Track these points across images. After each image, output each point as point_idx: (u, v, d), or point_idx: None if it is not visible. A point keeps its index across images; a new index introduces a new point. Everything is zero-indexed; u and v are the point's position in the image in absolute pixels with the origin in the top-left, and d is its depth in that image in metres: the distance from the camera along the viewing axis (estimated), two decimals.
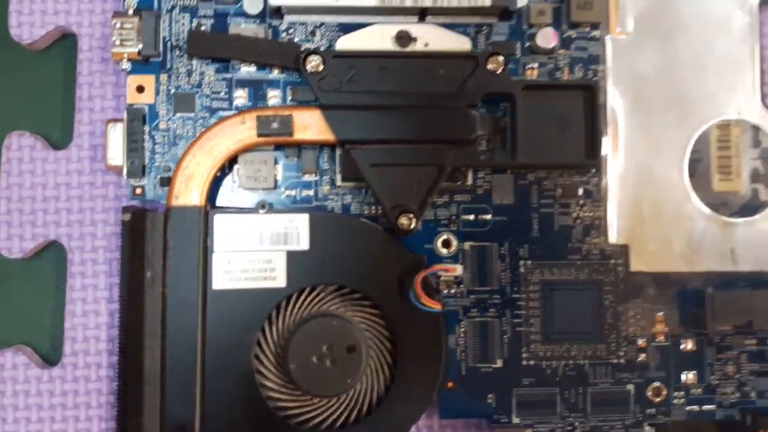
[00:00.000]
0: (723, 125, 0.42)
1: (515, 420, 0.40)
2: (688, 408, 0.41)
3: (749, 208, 0.42)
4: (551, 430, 0.40)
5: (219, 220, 0.38)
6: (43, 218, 0.41)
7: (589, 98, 0.40)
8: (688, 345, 0.41)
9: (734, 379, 0.41)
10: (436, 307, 0.38)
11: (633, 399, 0.41)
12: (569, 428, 0.40)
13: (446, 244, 0.40)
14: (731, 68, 0.42)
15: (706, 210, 0.41)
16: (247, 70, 0.40)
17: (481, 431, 0.41)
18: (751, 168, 0.42)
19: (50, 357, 0.42)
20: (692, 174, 0.42)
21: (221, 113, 0.40)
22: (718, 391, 0.41)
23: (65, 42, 0.43)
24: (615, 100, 0.41)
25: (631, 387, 0.41)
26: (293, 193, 0.41)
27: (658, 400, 0.41)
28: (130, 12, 0.40)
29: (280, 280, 0.38)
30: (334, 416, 0.38)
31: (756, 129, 0.42)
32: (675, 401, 0.41)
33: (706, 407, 0.41)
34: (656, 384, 0.41)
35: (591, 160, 0.40)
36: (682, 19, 0.42)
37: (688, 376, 0.41)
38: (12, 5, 0.41)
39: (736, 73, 0.42)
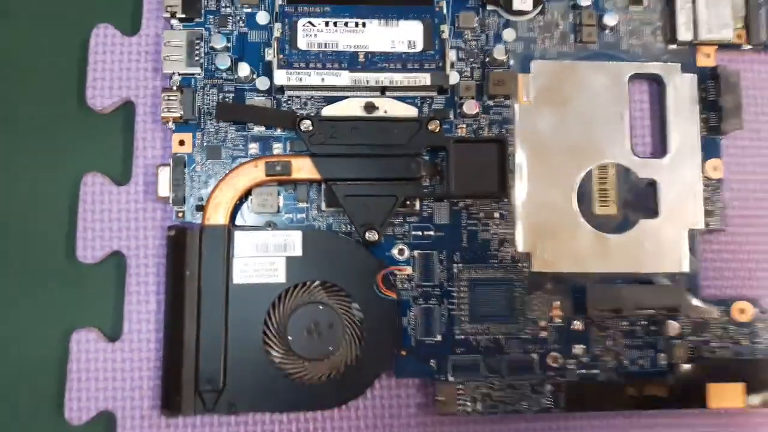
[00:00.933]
0: (602, 166, 0.50)
1: (451, 379, 0.47)
2: (578, 372, 0.48)
3: (621, 226, 0.50)
4: (476, 386, 0.47)
5: (238, 235, 0.47)
6: (109, 234, 0.49)
7: (501, 148, 0.49)
8: (578, 325, 0.49)
9: (612, 350, 0.48)
10: (393, 296, 0.47)
11: (537, 364, 0.48)
12: (490, 385, 0.47)
13: (401, 252, 0.48)
14: (608, 125, 0.50)
15: (590, 228, 0.49)
16: (258, 130, 0.48)
17: (426, 388, 0.48)
18: (623, 197, 0.50)
19: (112, 335, 0.49)
20: (579, 202, 0.49)
21: (240, 160, 0.48)
22: (600, 359, 0.48)
23: (126, 107, 0.51)
24: (521, 149, 0.50)
25: (535, 356, 0.48)
26: (291, 216, 0.48)
27: (555, 365, 0.48)
28: (175, 88, 0.48)
29: (281, 277, 0.47)
30: (320, 374, 0.46)
31: (626, 169, 0.50)
32: (569, 366, 0.48)
33: (592, 371, 0.48)
34: (554, 354, 0.48)
35: (502, 192, 0.48)
36: (572, 90, 0.50)
37: (578, 348, 0.48)
38: (89, 82, 0.50)
39: (612, 129, 0.50)
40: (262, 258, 0.47)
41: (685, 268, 0.50)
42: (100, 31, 0.51)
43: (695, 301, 0.50)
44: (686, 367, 0.49)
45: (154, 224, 0.50)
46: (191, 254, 0.46)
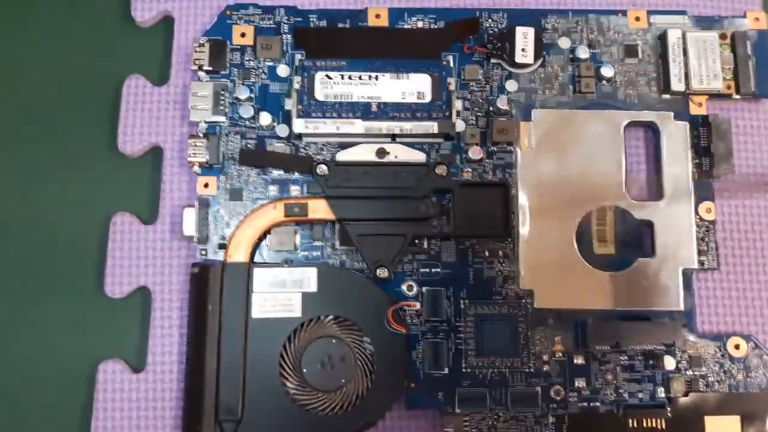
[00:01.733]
0: (601, 208, 0.51)
1: (458, 410, 0.48)
2: (580, 404, 0.49)
3: (619, 265, 0.51)
4: (482, 418, 0.48)
5: (257, 272, 0.49)
6: (136, 270, 0.51)
7: (504, 192, 0.51)
8: (579, 360, 0.50)
9: (612, 384, 0.49)
10: (402, 330, 0.48)
11: (540, 397, 0.49)
12: (496, 417, 0.48)
13: (410, 288, 0.50)
14: (606, 170, 0.51)
15: (589, 266, 0.50)
16: (278, 173, 0.51)
17: (434, 419, 0.49)
18: (621, 238, 0.51)
19: (137, 366, 0.50)
20: (579, 242, 0.50)
21: (260, 201, 0.50)
22: (600, 392, 0.49)
23: (155, 152, 0.53)
24: (523, 192, 0.51)
25: (538, 389, 0.49)
26: (307, 253, 0.50)
27: (558, 398, 0.49)
28: (201, 134, 0.51)
29: (297, 312, 0.48)
30: (333, 405, 0.48)
31: (624, 211, 0.51)
32: (570, 399, 0.49)
33: (592, 404, 0.49)
34: (556, 387, 0.49)
35: (506, 232, 0.50)
36: (571, 137, 0.51)
37: (579, 382, 0.49)
38: (120, 128, 0.53)
39: (610, 173, 0.51)
40: (279, 294, 0.49)
41: (681, 305, 0.51)
42: (132, 81, 0.54)
43: (691, 337, 0.51)
44: (684, 400, 0.50)
45: (179, 261, 0.51)
46: (213, 290, 0.48)
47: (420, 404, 0.49)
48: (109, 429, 0.50)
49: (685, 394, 0.50)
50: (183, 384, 0.49)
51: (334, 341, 0.48)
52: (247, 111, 0.51)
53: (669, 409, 0.50)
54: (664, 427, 0.49)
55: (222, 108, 0.52)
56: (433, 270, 0.51)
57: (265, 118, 0.51)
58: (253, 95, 0.52)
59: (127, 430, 0.50)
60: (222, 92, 0.52)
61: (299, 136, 0.51)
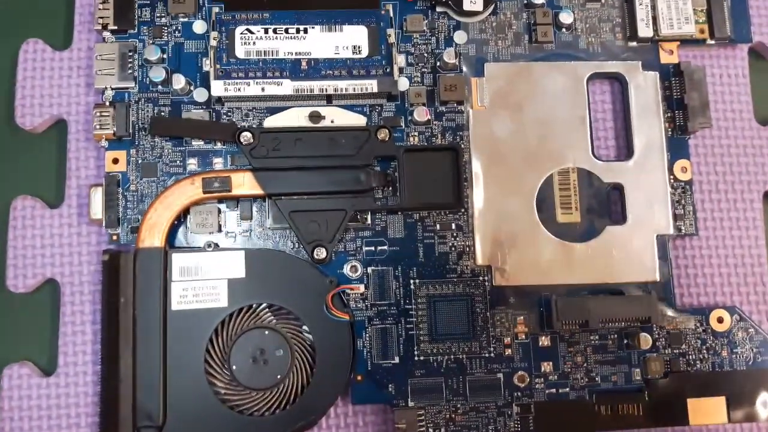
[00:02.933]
0: (563, 171, 0.49)
1: (411, 404, 0.46)
2: (547, 391, 0.46)
3: (586, 234, 0.48)
4: (439, 411, 0.46)
5: (176, 258, 0.45)
6: (41, 261, 0.47)
7: (455, 156, 0.47)
8: (545, 341, 0.47)
9: (582, 367, 0.47)
10: (345, 317, 0.45)
11: (503, 385, 0.46)
12: (453, 409, 0.46)
13: (353, 269, 0.47)
14: (568, 128, 0.49)
15: (552, 237, 0.48)
16: (197, 144, 0.47)
17: (385, 414, 0.47)
18: (587, 203, 0.49)
19: (47, 369, 0.47)
20: (540, 210, 0.48)
21: (177, 177, 0.47)
22: (570, 377, 0.47)
23: (58, 126, 0.49)
24: (476, 157, 0.48)
25: (500, 375, 0.46)
26: (233, 235, 0.47)
27: (522, 385, 0.46)
28: (107, 103, 0.47)
29: (223, 302, 0.45)
30: (269, 405, 0.45)
31: (589, 173, 0.49)
32: (536, 386, 0.46)
33: (561, 390, 0.47)
34: (520, 373, 0.47)
35: (458, 202, 0.47)
36: (528, 93, 0.49)
37: (545, 366, 0.47)
38: (17, 100, 0.49)
39: (572, 132, 0.49)
40: (202, 281, 0.45)
41: (656, 275, 0.48)
42: (29, 46, 0.50)
43: (669, 311, 0.48)
44: (663, 382, 0.48)
45: (89, 249, 0.48)
46: (125, 280, 0.45)
47: (368, 399, 0.47)
48: None
49: (665, 376, 0.48)
50: (98, 388, 0.46)
51: (267, 333, 0.45)
52: (158, 74, 0.48)
53: (647, 392, 0.48)
54: (641, 412, 0.47)
55: (130, 72, 0.48)
56: (379, 248, 0.48)
57: (179, 82, 0.48)
58: (165, 56, 0.49)
59: None
60: (130, 54, 0.48)
61: (220, 101, 0.48)
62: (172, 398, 0.44)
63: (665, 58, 0.51)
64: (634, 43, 0.51)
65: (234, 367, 0.45)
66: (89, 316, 0.47)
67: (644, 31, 0.50)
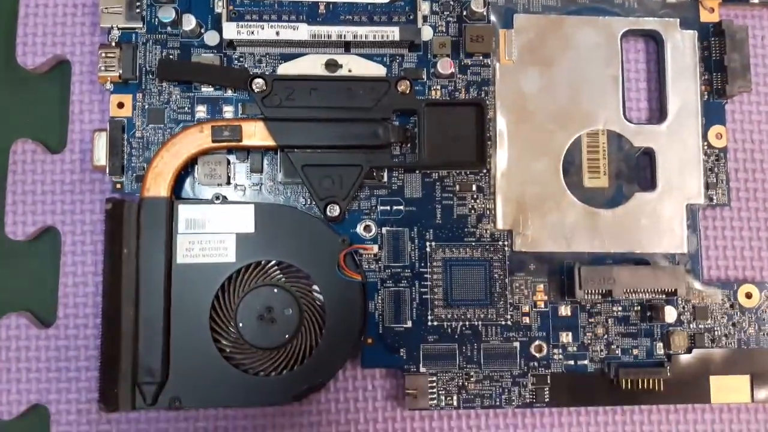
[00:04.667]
0: (592, 133, 0.47)
1: (422, 369, 0.45)
2: (565, 362, 0.46)
3: (613, 200, 0.47)
4: (451, 378, 0.45)
5: (182, 209, 0.44)
6: (42, 208, 0.46)
7: (479, 113, 0.46)
8: (565, 311, 0.46)
9: (602, 339, 0.46)
10: (357, 278, 0.44)
11: (519, 354, 0.45)
12: (466, 377, 0.45)
13: (367, 229, 0.46)
14: (599, 88, 0.47)
15: (578, 202, 0.46)
16: (206, 90, 0.45)
17: (395, 379, 0.46)
18: (615, 168, 0.47)
19: (46, 320, 0.46)
20: (566, 173, 0.47)
21: (185, 124, 0.45)
22: (589, 349, 0.46)
23: (61, 67, 0.48)
24: (502, 114, 0.46)
25: (516, 344, 0.45)
26: (242, 187, 0.45)
27: (539, 355, 0.45)
28: (113, 44, 0.45)
29: (231, 257, 0.44)
30: (275, 365, 0.44)
31: (619, 136, 0.47)
32: (554, 356, 0.45)
33: (580, 362, 0.46)
34: (538, 342, 0.46)
35: (480, 162, 0.45)
36: (559, 48, 0.47)
37: (564, 336, 0.46)
38: (19, 38, 0.47)
39: (604, 92, 0.47)
40: (209, 235, 0.44)
41: (685, 247, 0.47)
42: None
43: (696, 284, 0.47)
44: (686, 357, 0.47)
45: (91, 197, 0.47)
46: (129, 230, 0.43)
47: (378, 362, 0.46)
48: (14, 393, 0.45)
49: (688, 351, 0.47)
50: (99, 341, 0.44)
51: (276, 291, 0.44)
52: (168, 14, 0.46)
53: (668, 367, 0.46)
54: (662, 388, 0.46)
55: (138, 11, 0.46)
56: (395, 207, 0.46)
57: (189, 23, 0.46)
58: None
59: (35, 395, 0.45)
60: None
61: (231, 45, 0.46)
62: (175, 355, 0.43)
63: (705, 17, 0.49)
64: None
65: (240, 325, 0.43)
66: (91, 267, 0.46)
67: None
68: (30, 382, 0.45)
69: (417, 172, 0.46)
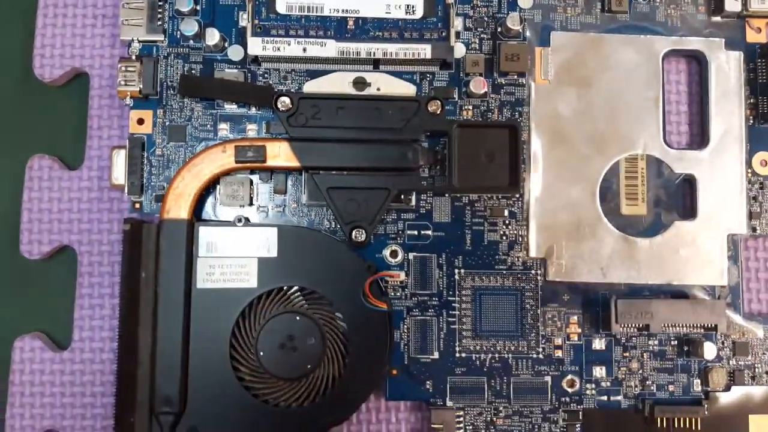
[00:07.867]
0: (631, 158, 0.46)
1: (449, 403, 0.44)
2: (597, 398, 0.45)
3: (652, 229, 0.46)
4: (479, 413, 0.44)
5: (203, 231, 0.43)
6: (58, 226, 0.45)
7: (513, 135, 0.44)
8: (599, 344, 0.45)
9: (638, 375, 0.45)
10: (383, 306, 0.43)
11: (550, 388, 0.44)
12: (495, 412, 0.44)
13: (394, 254, 0.45)
14: (639, 110, 0.46)
15: (615, 230, 0.45)
16: (230, 107, 0.45)
17: (420, 412, 0.45)
18: (654, 195, 0.46)
19: (61, 342, 0.46)
20: (603, 199, 0.46)
21: (207, 143, 0.44)
22: (623, 384, 0.45)
23: (79, 80, 0.47)
24: (537, 136, 0.45)
25: (548, 378, 0.45)
26: (265, 210, 0.45)
27: (571, 390, 0.45)
28: (134, 57, 0.44)
29: (252, 282, 0.43)
30: (297, 396, 0.42)
31: (659, 162, 0.46)
32: (587, 392, 0.45)
33: (613, 398, 0.45)
34: (570, 377, 0.45)
35: (513, 186, 0.44)
36: (598, 68, 0.46)
37: (598, 371, 0.45)
38: (36, 49, 0.46)
39: (643, 115, 0.46)
40: (230, 259, 0.43)
41: (725, 279, 0.46)
42: None
43: (736, 318, 0.46)
44: (725, 395, 0.46)
45: (109, 216, 0.46)
46: (147, 253, 0.42)
47: (403, 395, 0.45)
48: (27, 418, 0.45)
49: (727, 388, 0.46)
50: (115, 365, 0.43)
51: (298, 318, 0.43)
52: (190, 27, 0.45)
53: (706, 405, 0.45)
54: (699, 427, 0.45)
55: (160, 24, 0.45)
56: (423, 232, 0.45)
57: (213, 37, 0.45)
58: (198, 7, 0.46)
59: (48, 420, 0.45)
60: (159, 3, 0.45)
61: (256, 60, 0.45)
62: (194, 383, 0.42)
63: (752, 37, 0.47)
64: (718, 18, 0.48)
65: (261, 353, 0.42)
66: (108, 289, 0.45)
67: (731, 4, 0.47)
68: (44, 407, 0.44)
69: (447, 195, 0.45)
